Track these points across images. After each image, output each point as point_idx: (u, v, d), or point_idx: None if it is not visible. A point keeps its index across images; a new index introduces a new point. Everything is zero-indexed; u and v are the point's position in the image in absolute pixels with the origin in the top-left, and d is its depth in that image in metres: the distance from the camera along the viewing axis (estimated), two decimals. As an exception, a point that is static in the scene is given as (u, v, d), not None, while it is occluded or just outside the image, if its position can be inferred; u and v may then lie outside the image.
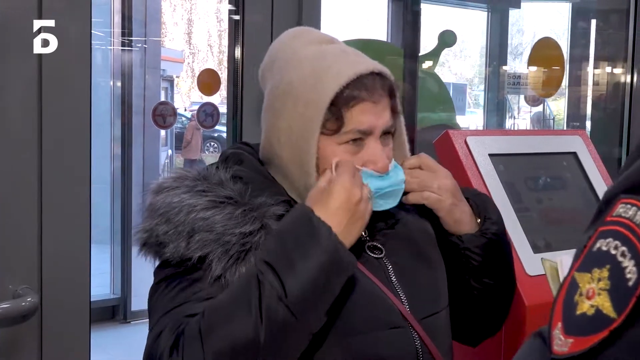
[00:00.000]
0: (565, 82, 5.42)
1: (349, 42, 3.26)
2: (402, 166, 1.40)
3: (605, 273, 0.60)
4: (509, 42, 5.65)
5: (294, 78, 1.34)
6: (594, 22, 4.85)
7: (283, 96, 1.34)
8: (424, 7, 4.90)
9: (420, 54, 4.31)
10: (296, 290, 1.16)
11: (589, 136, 2.63)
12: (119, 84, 6.52)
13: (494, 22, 5.47)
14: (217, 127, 7.30)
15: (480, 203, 1.48)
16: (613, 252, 0.60)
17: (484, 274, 1.47)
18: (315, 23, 2.30)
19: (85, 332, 1.88)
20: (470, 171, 2.22)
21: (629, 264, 0.59)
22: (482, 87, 6.22)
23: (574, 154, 2.49)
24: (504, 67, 5.57)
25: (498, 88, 5.51)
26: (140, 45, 6.85)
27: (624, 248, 0.60)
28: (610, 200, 0.65)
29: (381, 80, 1.35)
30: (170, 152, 9.49)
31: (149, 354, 1.21)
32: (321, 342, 1.26)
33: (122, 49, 6.52)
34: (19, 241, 1.76)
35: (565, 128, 5.59)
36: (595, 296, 0.60)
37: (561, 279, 1.26)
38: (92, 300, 1.95)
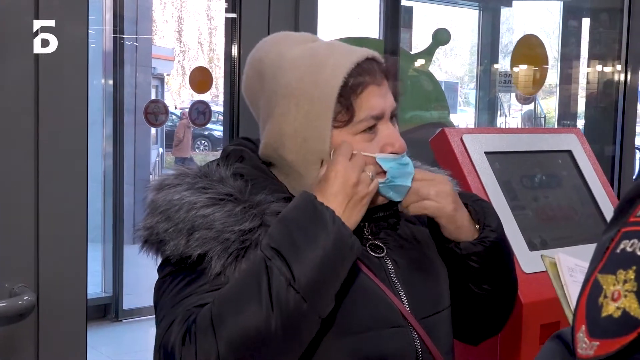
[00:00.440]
0: (556, 80, 5.44)
1: (347, 40, 3.26)
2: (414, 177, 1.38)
3: (631, 275, 0.60)
4: (500, 40, 5.66)
5: (291, 79, 1.32)
6: (585, 20, 4.87)
7: (283, 100, 1.32)
8: (416, 5, 4.92)
9: (413, 52, 4.32)
10: (305, 274, 1.17)
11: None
12: (110, 82, 6.50)
13: (485, 21, 5.48)
14: (208, 126, 7.29)
15: (479, 209, 1.45)
16: (639, 253, 0.60)
17: (483, 281, 1.46)
18: (312, 20, 2.30)
19: (82, 330, 1.89)
20: (466, 169, 2.23)
21: None
22: (472, 85, 6.23)
23: (569, 152, 2.51)
24: (495, 66, 5.58)
25: (489, 86, 5.52)
26: (131, 43, 6.83)
27: None
28: (633, 200, 0.64)
29: (377, 64, 1.36)
30: (161, 150, 9.45)
31: (161, 345, 1.21)
32: (321, 341, 1.26)
33: (113, 47, 6.49)
34: (16, 240, 1.76)
35: (556, 126, 5.60)
36: (621, 298, 0.59)
37: (560, 276, 1.27)
38: (85, 298, 1.95)
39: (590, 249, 0.69)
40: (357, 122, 1.32)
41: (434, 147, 2.32)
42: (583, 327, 0.61)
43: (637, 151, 5.75)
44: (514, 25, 6.59)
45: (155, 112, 5.96)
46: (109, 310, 6.13)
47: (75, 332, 1.87)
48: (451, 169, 2.02)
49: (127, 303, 6.03)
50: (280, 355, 1.20)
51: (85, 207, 1.86)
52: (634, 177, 4.06)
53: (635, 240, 0.60)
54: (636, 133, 3.96)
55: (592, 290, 0.63)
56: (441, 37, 4.10)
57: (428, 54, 4.06)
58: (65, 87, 1.79)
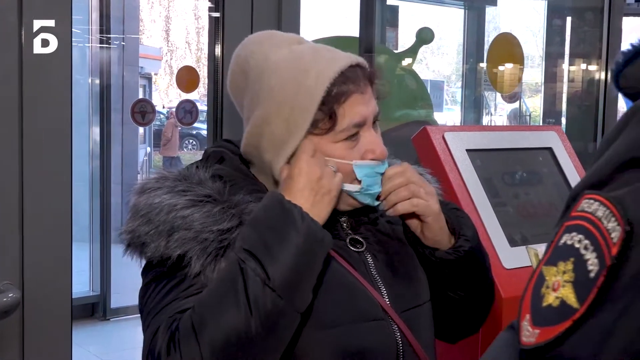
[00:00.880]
0: (541, 78, 5.47)
1: (324, 40, 3.27)
2: (384, 175, 1.40)
3: (569, 266, 0.62)
4: (486, 39, 5.68)
5: (274, 84, 1.33)
6: (569, 19, 4.89)
7: (265, 103, 1.34)
8: (402, 5, 4.94)
9: (397, 51, 4.34)
10: (279, 272, 1.19)
11: (564, 132, 2.67)
12: (97, 81, 6.49)
13: (470, 20, 5.49)
14: (195, 125, 7.30)
15: (455, 218, 1.47)
16: (577, 245, 0.62)
17: (457, 287, 1.49)
18: (295, 19, 2.30)
19: (67, 327, 1.89)
20: (448, 166, 2.24)
21: (590, 257, 0.61)
22: (459, 84, 6.25)
23: (550, 149, 2.52)
24: (481, 64, 5.60)
25: (475, 85, 5.54)
26: (118, 42, 6.83)
27: (586, 241, 0.62)
28: (576, 196, 0.67)
29: (361, 70, 1.37)
30: (148, 149, 9.45)
31: (149, 352, 1.23)
32: (301, 334, 1.28)
33: (100, 47, 6.49)
34: (0, 238, 1.75)
35: (541, 124, 5.64)
36: (560, 288, 0.62)
37: None
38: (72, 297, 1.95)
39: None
40: (339, 131, 1.34)
41: (416, 145, 2.33)
42: (527, 316, 0.64)
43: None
44: (500, 24, 6.62)
45: (143, 110, 5.97)
46: (96, 309, 6.14)
47: (61, 329, 1.87)
48: (433, 166, 2.03)
49: (115, 302, 6.05)
50: (263, 354, 1.22)
51: (70, 204, 1.86)
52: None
53: (575, 234, 0.63)
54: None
55: (537, 281, 0.65)
56: (425, 36, 4.12)
57: (412, 52, 4.08)
58: (49, 85, 1.79)
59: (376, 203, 1.40)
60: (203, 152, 1.49)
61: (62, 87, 1.82)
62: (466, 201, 2.19)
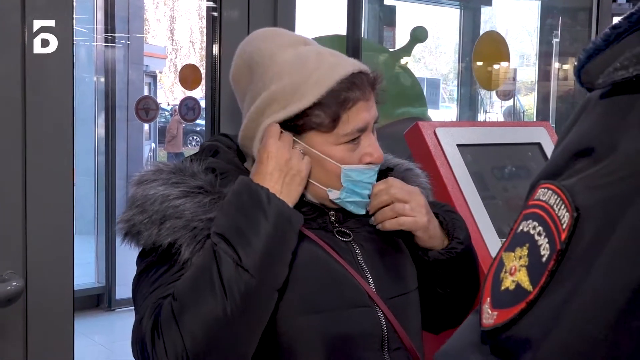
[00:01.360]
0: (534, 77, 5.57)
1: (323, 39, 3.34)
2: (372, 190, 1.43)
3: (525, 251, 0.66)
4: (482, 38, 5.76)
5: (276, 86, 1.37)
6: (561, 19, 4.97)
7: (263, 101, 1.38)
8: (399, 5, 5.03)
9: (392, 50, 4.43)
10: (250, 252, 1.24)
11: (553, 128, 2.73)
12: (102, 79, 6.53)
13: (466, 19, 5.55)
14: (199, 122, 7.37)
15: (449, 220, 1.50)
16: (532, 232, 0.66)
17: (447, 285, 1.52)
18: (290, 19, 2.31)
19: (70, 315, 1.89)
20: (439, 161, 2.25)
21: (543, 242, 0.64)
22: (456, 82, 6.35)
23: (539, 144, 2.52)
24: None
25: (471, 83, 5.60)
26: (123, 41, 6.91)
27: (540, 228, 0.65)
28: (534, 186, 0.71)
29: (366, 77, 1.40)
30: (153, 145, 9.53)
31: (136, 339, 1.28)
32: (287, 319, 1.32)
33: (105, 45, 6.53)
34: (4, 228, 1.77)
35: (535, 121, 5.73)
36: (516, 272, 0.65)
37: None
38: (77, 289, 1.96)
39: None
40: (343, 135, 1.38)
41: (408, 140, 2.34)
42: (488, 299, 0.68)
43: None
44: (496, 24, 6.71)
45: (147, 107, 6.09)
46: (102, 300, 6.19)
47: (63, 317, 1.87)
48: (425, 161, 2.09)
49: (120, 293, 6.09)
50: (244, 333, 1.26)
51: (72, 194, 1.87)
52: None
53: (530, 221, 0.67)
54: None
55: (497, 267, 0.69)
56: (419, 35, 4.16)
57: (406, 51, 4.15)
58: (50, 85, 1.80)
59: (361, 211, 1.44)
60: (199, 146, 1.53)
61: (63, 87, 1.82)
62: (457, 195, 2.21)
